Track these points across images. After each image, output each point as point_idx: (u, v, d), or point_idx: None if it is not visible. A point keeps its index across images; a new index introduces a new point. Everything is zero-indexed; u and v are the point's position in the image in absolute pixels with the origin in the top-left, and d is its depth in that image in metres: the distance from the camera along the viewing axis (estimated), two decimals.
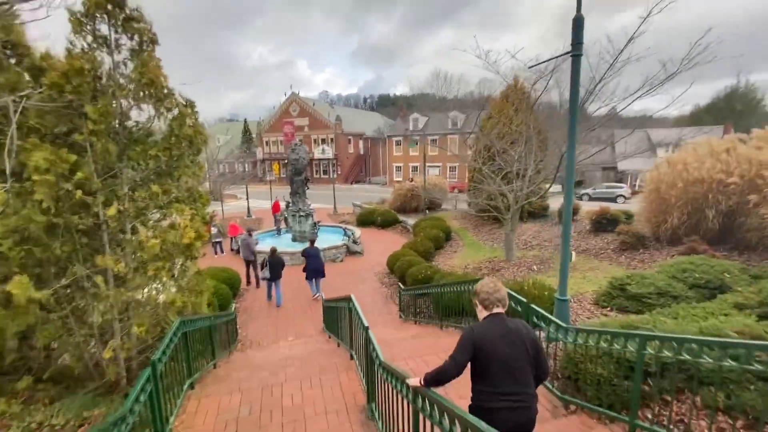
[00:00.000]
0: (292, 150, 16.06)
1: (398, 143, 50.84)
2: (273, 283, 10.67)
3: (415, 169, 48.54)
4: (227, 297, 9.95)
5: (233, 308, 8.21)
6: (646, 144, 32.06)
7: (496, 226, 16.16)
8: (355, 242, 15.69)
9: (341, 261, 14.65)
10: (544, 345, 3.79)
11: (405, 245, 13.71)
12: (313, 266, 10.85)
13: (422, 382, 2.38)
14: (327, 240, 16.80)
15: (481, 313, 2.46)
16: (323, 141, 53.81)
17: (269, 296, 10.92)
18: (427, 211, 20.06)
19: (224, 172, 35.73)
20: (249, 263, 12.21)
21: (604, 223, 11.78)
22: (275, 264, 10.49)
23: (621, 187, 33.57)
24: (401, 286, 9.30)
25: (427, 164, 47.73)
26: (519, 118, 15.55)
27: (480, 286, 2.51)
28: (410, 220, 19.65)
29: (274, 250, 10.76)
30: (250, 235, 12.74)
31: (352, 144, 56.48)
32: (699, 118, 48.65)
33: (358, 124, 60.20)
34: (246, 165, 65.58)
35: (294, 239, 16.57)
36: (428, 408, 2.35)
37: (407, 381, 2.52)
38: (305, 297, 11.09)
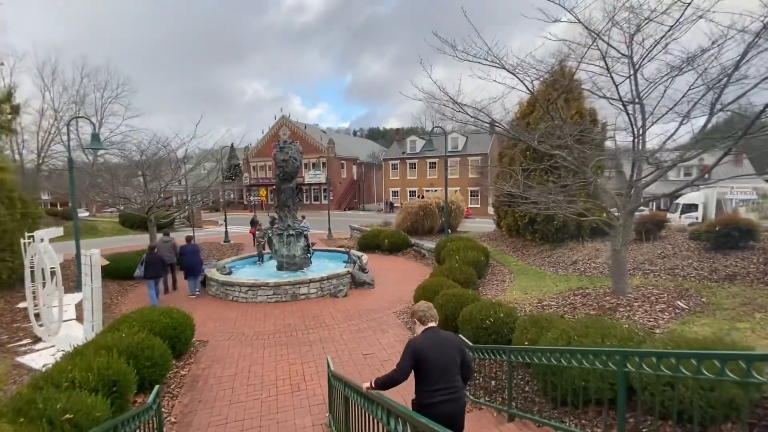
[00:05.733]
0: (280, 149, 12.32)
1: (395, 167, 47.86)
2: (152, 281, 9.97)
3: (413, 193, 45.33)
4: (163, 362, 5.78)
5: (154, 394, 4.09)
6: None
7: (547, 247, 12.45)
8: (362, 269, 11.69)
9: (345, 296, 10.60)
10: None
11: (437, 272, 9.80)
12: (189, 262, 10.88)
13: (372, 385, 2.92)
14: (325, 267, 12.76)
15: (419, 328, 3.07)
16: (314, 165, 50.49)
17: (154, 299, 9.92)
18: (449, 231, 16.28)
19: (205, 198, 31.89)
20: (170, 265, 11.43)
21: (734, 237, 8.19)
22: (153, 262, 9.98)
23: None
24: (464, 340, 5.32)
25: (425, 188, 44.90)
26: (572, 108, 12.34)
27: (417, 306, 3.18)
28: (426, 243, 15.80)
29: (152, 248, 10.56)
30: (168, 235, 12.23)
31: (345, 169, 53.28)
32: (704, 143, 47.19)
33: (352, 149, 57.37)
34: (231, 193, 61.64)
35: (281, 267, 12.48)
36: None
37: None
38: (276, 349, 6.98)
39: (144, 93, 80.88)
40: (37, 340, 7.67)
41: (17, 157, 33.53)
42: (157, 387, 4.21)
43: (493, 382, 5.43)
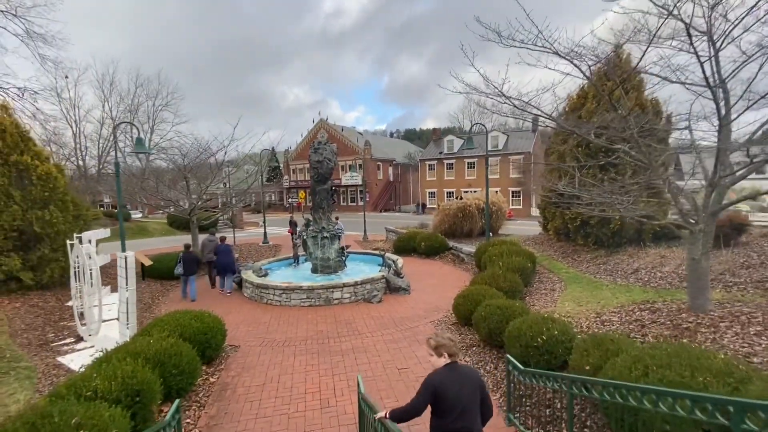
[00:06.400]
0: (314, 150, 12.12)
1: (431, 167, 46.96)
2: (187, 279, 10.94)
3: (450, 194, 44.23)
4: (191, 370, 5.57)
5: (173, 410, 3.82)
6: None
7: (602, 252, 11.29)
8: (398, 274, 11.19)
9: (379, 301, 10.15)
10: None
11: (477, 280, 9.09)
12: (222, 261, 11.43)
13: (387, 416, 2.92)
14: (359, 271, 12.41)
15: (440, 361, 2.86)
16: (351, 167, 50.74)
17: (183, 292, 11.14)
18: (490, 234, 15.39)
19: (245, 199, 32.94)
20: (210, 263, 12.19)
21: None
22: (189, 260, 10.86)
23: None
24: (514, 363, 4.63)
25: (464, 189, 43.63)
26: (631, 99, 11.12)
27: (444, 340, 2.92)
28: (465, 247, 15.03)
29: (188, 246, 11.37)
30: (213, 234, 12.70)
31: (381, 170, 53.11)
32: None
33: (388, 151, 57.17)
34: (272, 195, 63.57)
35: (315, 270, 12.27)
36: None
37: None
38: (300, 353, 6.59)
39: (191, 100, 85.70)
40: (80, 339, 7.87)
41: (80, 162, 36.39)
42: (177, 402, 3.94)
43: (547, 411, 4.72)
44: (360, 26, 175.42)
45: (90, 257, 7.76)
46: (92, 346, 7.40)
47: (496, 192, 38.64)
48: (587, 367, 4.50)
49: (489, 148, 40.25)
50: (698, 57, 5.17)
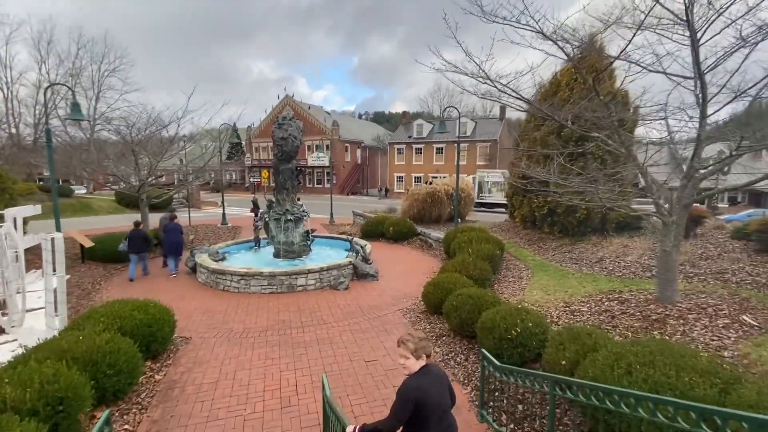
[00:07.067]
0: (278, 126, 11.25)
1: (400, 151, 46.57)
2: (138, 258, 10.49)
3: (418, 179, 44.18)
4: (131, 369, 4.88)
5: (102, 422, 3.21)
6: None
7: (567, 241, 11.45)
8: (366, 260, 10.77)
9: (346, 288, 9.72)
10: None
11: (447, 267, 8.87)
12: (171, 240, 10.79)
13: (357, 430, 2.61)
14: (325, 256, 11.88)
15: (416, 364, 2.56)
16: (318, 147, 49.22)
17: (132, 273, 10.45)
18: (458, 221, 15.29)
19: (201, 176, 30.90)
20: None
21: None
22: (137, 237, 10.40)
23: None
24: (489, 358, 4.38)
25: (432, 174, 43.68)
26: (605, 88, 11.14)
27: (422, 341, 2.61)
28: (434, 233, 14.87)
29: (138, 223, 10.81)
30: (173, 212, 12.00)
31: (349, 152, 52.00)
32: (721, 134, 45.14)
33: (356, 132, 55.95)
34: (233, 173, 60.75)
35: (278, 254, 11.59)
36: None
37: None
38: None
39: (144, 68, 78.98)
40: (1, 331, 6.85)
41: (13, 130, 32.59)
42: (106, 413, 3.32)
43: (520, 407, 4.55)
44: (330, 1, 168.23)
45: (11, 238, 6.70)
46: (15, 340, 6.45)
47: (464, 178, 38.73)
48: (563, 362, 4.34)
49: (457, 135, 40.41)
50: (693, 43, 5.00)
